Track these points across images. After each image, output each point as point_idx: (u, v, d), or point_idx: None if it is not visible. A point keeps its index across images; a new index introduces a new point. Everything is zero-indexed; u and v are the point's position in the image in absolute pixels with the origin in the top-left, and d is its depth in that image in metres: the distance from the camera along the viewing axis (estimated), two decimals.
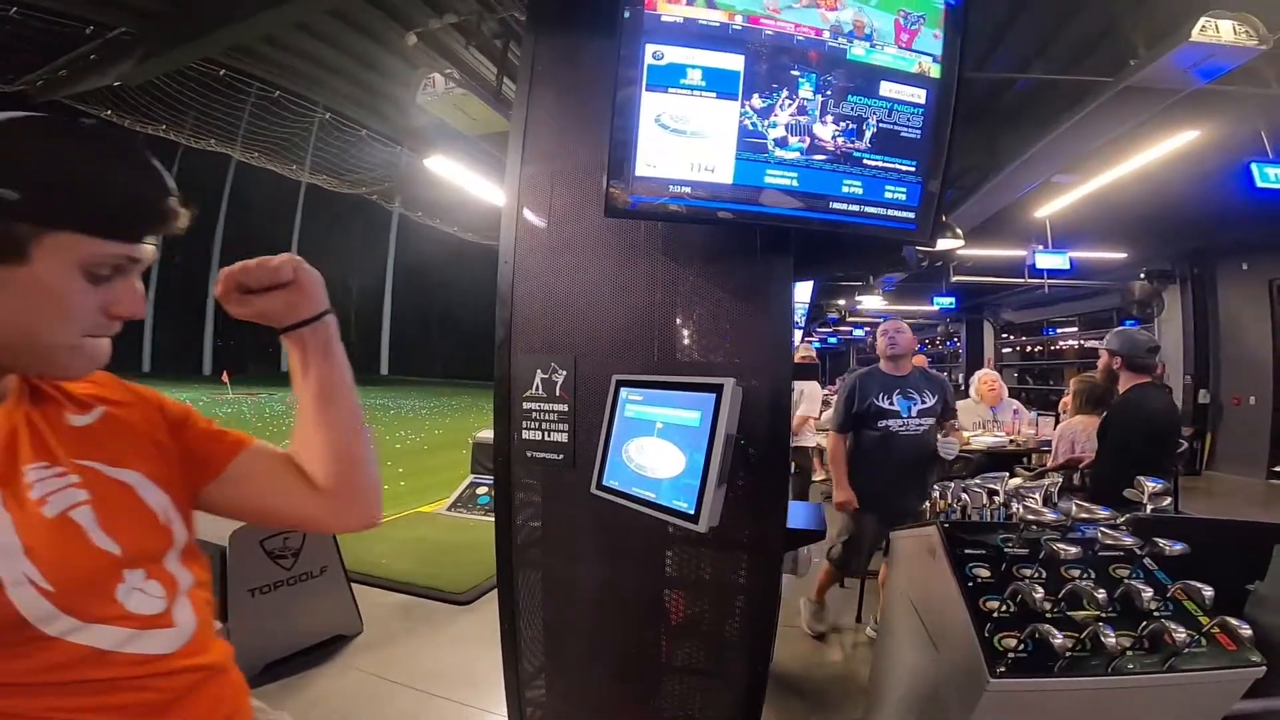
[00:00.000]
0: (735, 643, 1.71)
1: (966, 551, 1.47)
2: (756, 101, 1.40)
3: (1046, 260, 8.43)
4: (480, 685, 2.68)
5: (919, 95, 1.47)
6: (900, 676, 1.79)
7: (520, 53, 2.05)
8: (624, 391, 1.47)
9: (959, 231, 5.69)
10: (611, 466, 1.45)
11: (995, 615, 1.30)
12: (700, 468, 1.19)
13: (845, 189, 1.44)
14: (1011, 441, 4.75)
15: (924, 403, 3.15)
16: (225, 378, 25.30)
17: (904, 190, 1.47)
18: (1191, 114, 4.32)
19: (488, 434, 6.51)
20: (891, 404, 3.13)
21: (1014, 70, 4.48)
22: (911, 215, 1.48)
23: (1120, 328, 3.31)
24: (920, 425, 3.13)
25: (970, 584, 1.38)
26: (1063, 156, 5.15)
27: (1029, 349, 15.31)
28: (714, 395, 1.22)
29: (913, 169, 1.46)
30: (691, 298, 1.63)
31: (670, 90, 1.40)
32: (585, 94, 1.82)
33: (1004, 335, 15.23)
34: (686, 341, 1.63)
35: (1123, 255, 8.98)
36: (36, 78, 6.18)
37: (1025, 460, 4.62)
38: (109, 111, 7.47)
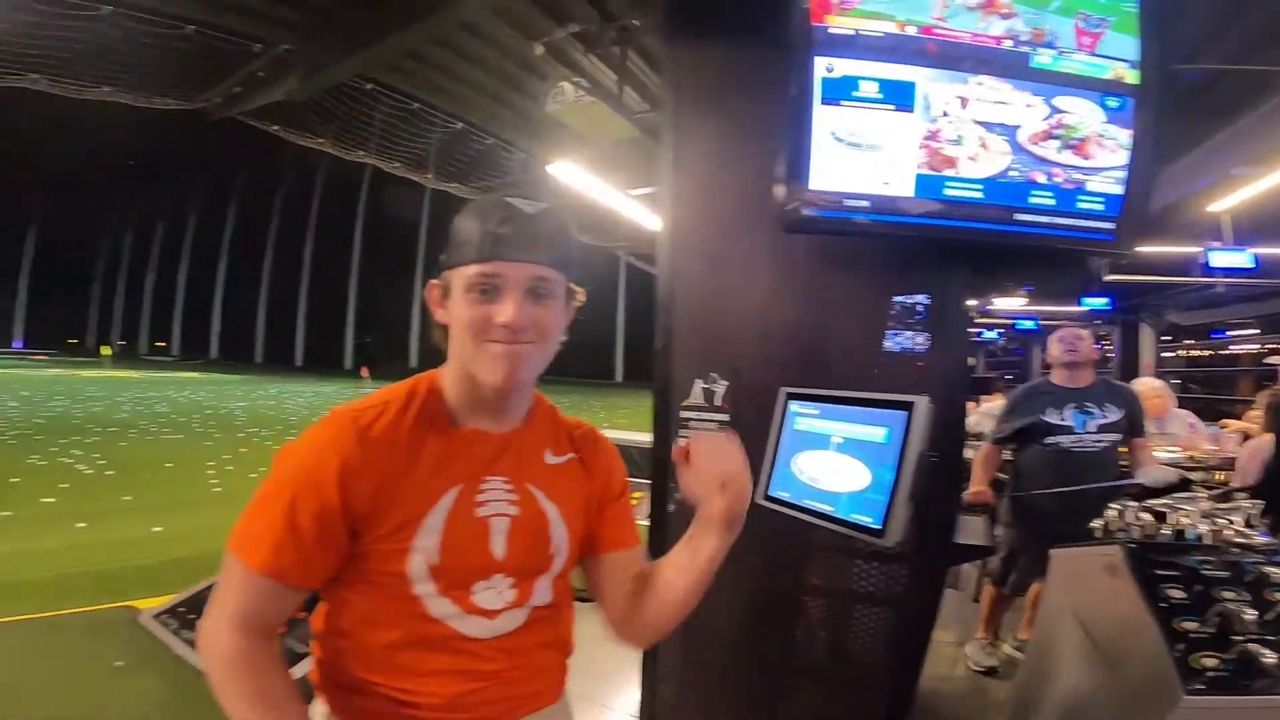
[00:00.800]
0: (883, 654, 1.69)
1: (1156, 572, 1.44)
2: (936, 112, 1.38)
3: (1224, 258, 7.40)
4: (605, 681, 2.71)
5: (1114, 102, 1.39)
6: (1060, 694, 1.73)
7: (662, 62, 2.11)
8: (794, 404, 1.49)
9: None
10: (779, 478, 1.49)
11: (1190, 635, 1.29)
12: (886, 483, 1.21)
13: (1034, 200, 1.39)
14: (1190, 457, 4.26)
15: (1105, 417, 2.86)
16: (364, 372, 27.59)
17: (1100, 200, 1.40)
18: None
19: (614, 434, 6.68)
20: (1063, 419, 2.88)
21: (1183, 61, 4.05)
22: (1110, 225, 1.40)
23: None
24: (1099, 442, 2.85)
25: (1162, 604, 1.36)
26: (1245, 149, 4.61)
27: (1195, 354, 13.69)
28: (904, 413, 1.23)
29: (1112, 178, 1.39)
30: (859, 310, 1.63)
31: (844, 103, 1.40)
32: (737, 104, 1.85)
33: (1165, 338, 13.66)
34: (855, 355, 1.63)
35: None
36: (215, 94, 7.00)
37: (1202, 477, 4.14)
38: (276, 127, 8.34)
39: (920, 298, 1.60)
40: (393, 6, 4.95)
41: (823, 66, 1.41)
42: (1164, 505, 1.72)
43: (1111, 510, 1.92)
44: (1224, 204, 6.12)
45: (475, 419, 0.90)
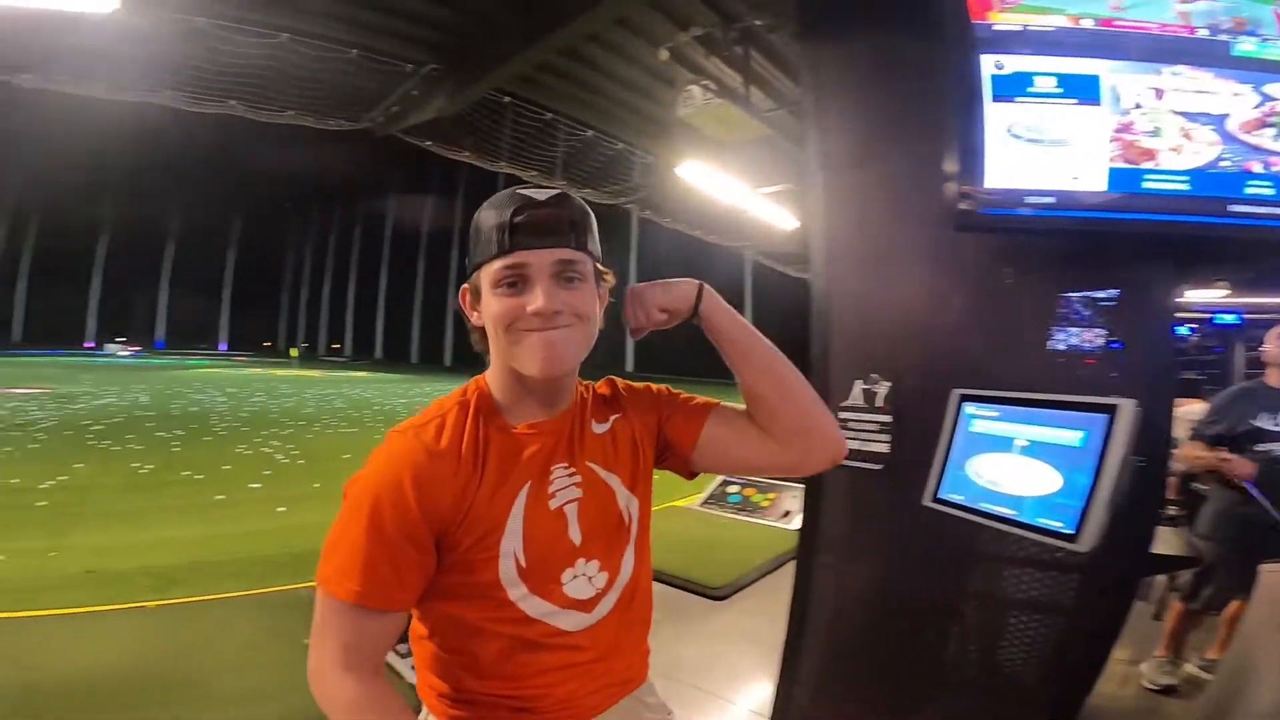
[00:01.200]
0: (1049, 668, 1.60)
1: None
2: (1127, 104, 1.30)
3: None
4: (736, 679, 2.73)
5: None
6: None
7: (798, 62, 2.11)
8: (968, 407, 1.47)
9: None
10: (951, 480, 1.47)
11: None
12: (1081, 488, 1.17)
13: (1251, 190, 1.27)
14: None
15: None
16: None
17: None
18: None
19: None
20: (1278, 424, 2.57)
21: None
22: None
23: None
24: None
25: None
26: None
27: None
28: (1105, 416, 1.18)
29: None
30: (1037, 308, 1.55)
31: (1019, 100, 1.36)
32: (881, 100, 1.83)
33: None
34: (1032, 355, 1.56)
35: None
36: (377, 114, 7.78)
37: None
38: (428, 142, 9.13)
39: (1112, 293, 1.49)
40: (525, 25, 5.27)
41: (990, 64, 1.37)
42: None
43: None
44: None
45: (527, 414, 0.90)
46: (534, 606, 0.85)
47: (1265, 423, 2.56)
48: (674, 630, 3.31)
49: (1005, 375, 1.59)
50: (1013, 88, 1.37)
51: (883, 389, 1.76)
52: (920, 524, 1.63)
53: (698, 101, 4.54)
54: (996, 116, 1.37)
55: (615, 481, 0.93)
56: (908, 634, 1.80)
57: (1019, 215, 1.33)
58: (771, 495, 5.90)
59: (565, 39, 5.26)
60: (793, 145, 5.69)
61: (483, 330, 0.88)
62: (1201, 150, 1.28)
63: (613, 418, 0.98)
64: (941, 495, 1.47)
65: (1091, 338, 1.48)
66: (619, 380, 1.02)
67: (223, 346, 64.50)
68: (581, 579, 0.88)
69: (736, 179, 7.25)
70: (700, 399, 1.01)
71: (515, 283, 0.82)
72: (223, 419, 12.65)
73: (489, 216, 0.84)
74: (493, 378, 0.91)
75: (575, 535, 0.88)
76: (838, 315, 1.88)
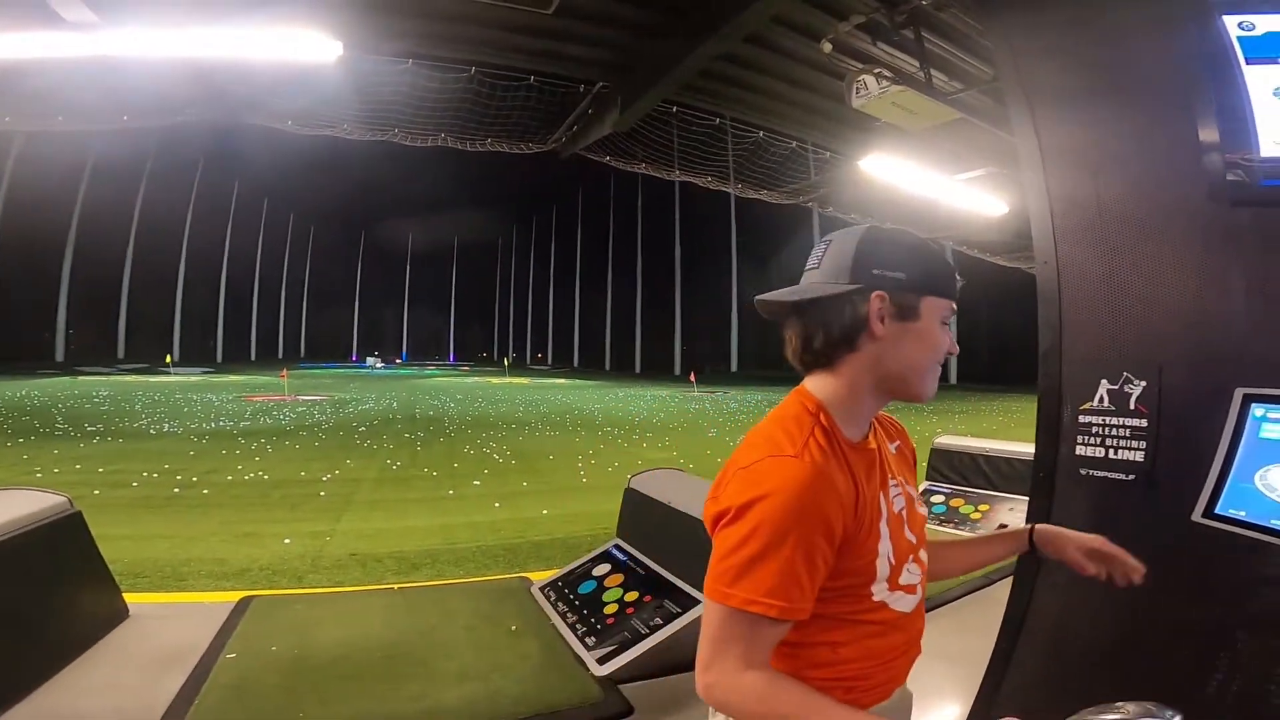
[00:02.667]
0: None
1: None
2: None
3: None
4: (930, 697, 2.47)
5: None
6: None
7: (992, 37, 1.87)
8: (1255, 408, 1.18)
9: None
10: (1233, 493, 1.19)
11: None
12: None
13: None
14: None
15: None
16: (692, 377, 30.12)
17: None
18: None
19: (949, 440, 6.11)
20: None
21: None
22: None
23: None
24: None
25: None
26: None
27: None
28: None
29: None
30: None
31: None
32: (1102, 72, 1.56)
33: None
34: None
35: None
36: (560, 134, 8.37)
37: None
38: (607, 158, 9.64)
39: None
40: (683, 33, 5.32)
41: (1234, 25, 1.16)
42: None
43: None
44: None
45: (858, 431, 0.98)
46: (885, 594, 0.95)
47: None
48: None
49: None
50: (1270, 48, 1.15)
51: (1137, 388, 1.48)
52: (1183, 542, 1.35)
53: (873, 91, 4.25)
54: (1258, 79, 1.14)
55: (912, 491, 1.06)
56: (1157, 662, 1.51)
57: None
58: (984, 507, 5.34)
59: (723, 43, 5.25)
60: (991, 126, 5.11)
61: (863, 338, 0.93)
62: None
63: (897, 442, 1.10)
64: (1220, 511, 1.19)
65: None
66: (895, 419, 1.16)
67: (452, 359, 74.43)
68: (910, 570, 0.99)
69: (928, 168, 6.65)
70: None
71: (946, 322, 0.97)
72: (453, 422, 14.37)
73: (941, 258, 0.97)
74: (838, 395, 0.96)
75: (910, 536, 1.00)
76: (1072, 307, 1.62)
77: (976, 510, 5.37)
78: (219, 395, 20.48)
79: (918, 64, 4.61)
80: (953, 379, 40.34)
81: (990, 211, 7.66)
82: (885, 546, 0.93)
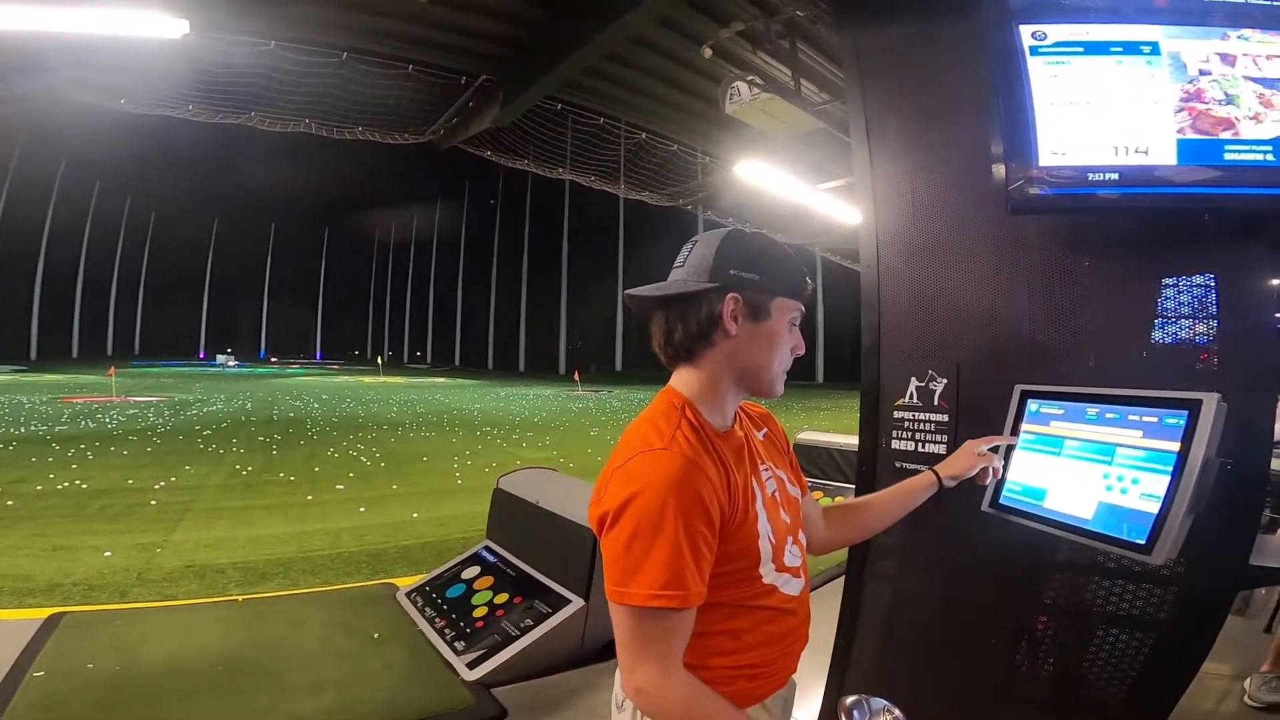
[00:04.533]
0: (1128, 685, 1.44)
1: None
2: (1193, 71, 1.16)
3: None
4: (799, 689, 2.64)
5: None
6: None
7: (840, 50, 2.03)
8: (1032, 404, 1.35)
9: None
10: (1012, 485, 1.35)
11: None
12: (1158, 494, 1.04)
13: None
14: None
15: None
16: (576, 376, 30.07)
17: None
18: None
19: (809, 435, 6.50)
20: None
21: None
22: None
23: None
24: None
25: None
26: None
27: None
28: (1184, 413, 1.06)
29: None
30: (1110, 297, 1.41)
31: (1064, 69, 1.24)
32: (930, 84, 1.72)
33: None
34: (1107, 348, 1.42)
35: None
36: (438, 126, 8.09)
37: None
38: (489, 152, 9.42)
39: (1200, 279, 1.34)
40: (569, 31, 5.35)
41: (1028, 34, 1.26)
42: None
43: None
44: None
45: (724, 420, 1.03)
46: (774, 578, 0.99)
47: None
48: None
49: (1076, 370, 1.46)
50: (1057, 58, 1.25)
51: (939, 385, 1.65)
52: (983, 532, 1.51)
53: (744, 97, 4.46)
54: (1043, 90, 1.24)
55: (783, 474, 1.11)
56: (972, 649, 1.68)
57: (1082, 194, 1.21)
58: (840, 499, 5.65)
59: (607, 43, 5.31)
60: (849, 138, 5.53)
61: (715, 334, 0.98)
62: None
63: (764, 429, 1.15)
64: (1002, 501, 1.35)
65: (1177, 328, 1.33)
66: (765, 409, 1.21)
67: (318, 356, 69.11)
68: (791, 552, 1.03)
69: (796, 175, 7.07)
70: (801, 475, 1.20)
71: (794, 324, 1.02)
72: (316, 424, 13.44)
73: (787, 256, 1.02)
74: (701, 388, 1.01)
75: (785, 517, 1.05)
76: (890, 308, 1.78)
77: (834, 502, 5.72)
78: (30, 396, 17.93)
79: (790, 73, 4.87)
80: (820, 377, 43.10)
81: (847, 220, 8.25)
82: (764, 527, 0.98)
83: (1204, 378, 1.29)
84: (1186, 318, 1.33)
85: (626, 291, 1.03)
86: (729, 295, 0.97)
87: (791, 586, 1.02)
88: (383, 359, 49.77)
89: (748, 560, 0.96)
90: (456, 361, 63.45)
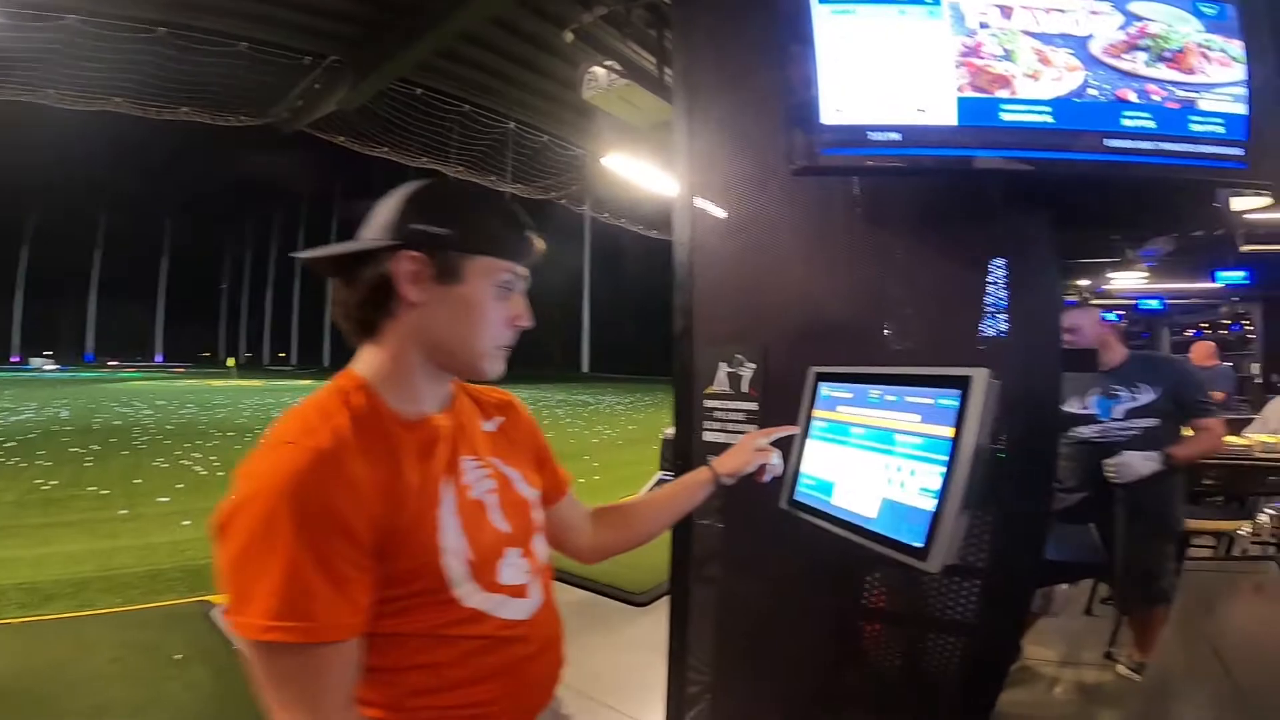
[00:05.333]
0: (949, 687, 1.40)
1: None
2: (972, 24, 1.09)
3: None
4: (648, 695, 2.48)
5: (1209, 8, 1.11)
6: None
7: (671, 14, 1.92)
8: (824, 387, 1.23)
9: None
10: (804, 479, 1.23)
11: None
12: (935, 488, 0.93)
13: (1127, 122, 1.08)
14: None
15: (1136, 400, 2.37)
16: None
17: (1219, 121, 1.08)
18: None
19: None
20: (1086, 407, 2.42)
21: None
22: (1238, 151, 1.07)
23: None
24: (1127, 430, 2.36)
25: None
26: None
27: None
28: (958, 392, 0.94)
29: (1229, 95, 1.06)
30: (910, 271, 1.34)
31: (852, 11, 1.14)
32: (750, 56, 1.62)
33: None
34: (907, 325, 1.35)
35: None
36: (282, 109, 7.38)
37: None
38: (342, 138, 8.73)
39: (996, 259, 1.29)
40: (423, 9, 5.00)
41: None
42: None
43: (1263, 515, 1.57)
44: None
45: (418, 407, 0.84)
46: (481, 600, 0.81)
47: (1073, 406, 2.43)
48: (589, 641, 3.18)
49: (878, 352, 1.38)
50: (843, 6, 1.15)
51: (747, 371, 1.53)
52: (793, 531, 1.40)
53: (602, 83, 4.30)
54: (829, 44, 1.14)
55: (514, 474, 0.94)
56: (798, 653, 1.59)
57: (860, 155, 1.11)
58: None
59: (464, 22, 5.01)
60: None
61: (391, 304, 0.81)
62: (1063, 76, 1.08)
63: (498, 419, 0.99)
64: (796, 498, 1.23)
65: (967, 305, 1.28)
66: (511, 395, 1.05)
67: (159, 358, 61.54)
68: (511, 566, 0.86)
69: (662, 167, 7.03)
70: (562, 469, 1.08)
71: (504, 289, 0.84)
72: (145, 432, 12.02)
73: (497, 215, 0.85)
74: (384, 369, 0.83)
75: (501, 524, 0.87)
76: (704, 289, 1.64)
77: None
78: None
79: (655, 61, 4.75)
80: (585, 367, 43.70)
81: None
82: (452, 540, 0.79)
83: (992, 358, 1.23)
84: (978, 295, 1.28)
85: (296, 254, 0.84)
86: (404, 254, 0.78)
87: (512, 609, 0.84)
88: (236, 360, 45.62)
89: (429, 581, 0.77)
90: (326, 362, 59.20)
